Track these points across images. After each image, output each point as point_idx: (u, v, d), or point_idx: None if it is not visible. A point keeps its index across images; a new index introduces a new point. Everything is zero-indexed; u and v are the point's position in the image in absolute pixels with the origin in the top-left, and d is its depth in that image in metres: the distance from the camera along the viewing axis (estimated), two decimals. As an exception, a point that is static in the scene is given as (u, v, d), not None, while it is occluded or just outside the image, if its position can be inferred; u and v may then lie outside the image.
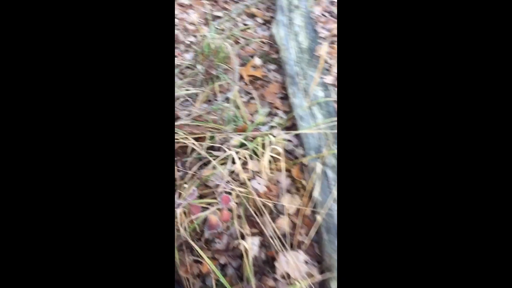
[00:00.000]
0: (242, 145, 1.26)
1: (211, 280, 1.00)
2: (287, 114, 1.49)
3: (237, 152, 1.16)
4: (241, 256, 1.07)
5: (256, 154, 1.24)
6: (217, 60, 1.63)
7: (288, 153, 1.33)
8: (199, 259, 1.04)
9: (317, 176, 1.13)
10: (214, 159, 1.17)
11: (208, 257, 1.00)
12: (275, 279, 0.99)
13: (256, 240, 1.08)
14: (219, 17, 1.98)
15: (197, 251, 1.01)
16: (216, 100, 1.49)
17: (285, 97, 1.59)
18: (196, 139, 1.25)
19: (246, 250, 1.05)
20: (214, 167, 1.17)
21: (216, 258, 1.06)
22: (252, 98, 1.58)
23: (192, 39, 1.82)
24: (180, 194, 1.08)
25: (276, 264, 1.00)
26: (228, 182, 1.11)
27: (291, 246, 1.06)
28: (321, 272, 1.01)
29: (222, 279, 0.97)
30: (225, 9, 2.05)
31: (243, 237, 1.07)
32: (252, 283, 0.97)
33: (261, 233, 1.12)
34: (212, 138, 1.27)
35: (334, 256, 0.96)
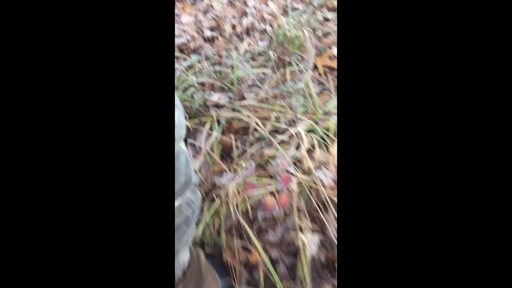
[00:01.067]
0: (310, 131, 1.12)
1: (259, 273, 0.86)
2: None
3: (305, 135, 1.02)
4: (296, 254, 0.91)
5: (325, 142, 1.08)
6: (291, 48, 1.54)
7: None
8: (248, 247, 0.91)
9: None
10: (277, 143, 1.05)
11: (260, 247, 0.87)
12: (334, 286, 0.81)
13: (316, 238, 0.91)
14: (297, 9, 1.91)
15: (247, 237, 0.89)
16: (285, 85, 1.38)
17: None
18: (260, 119, 1.15)
19: (303, 247, 0.89)
20: (276, 150, 1.05)
21: (267, 251, 0.92)
22: (325, 89, 1.44)
23: (268, 28, 1.77)
24: (235, 170, 0.98)
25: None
26: (290, 165, 0.97)
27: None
28: None
29: (274, 274, 0.82)
30: (305, 2, 1.97)
31: (301, 232, 0.91)
32: (308, 286, 0.80)
33: (322, 232, 0.95)
34: (277, 119, 1.16)
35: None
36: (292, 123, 1.17)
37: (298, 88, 1.27)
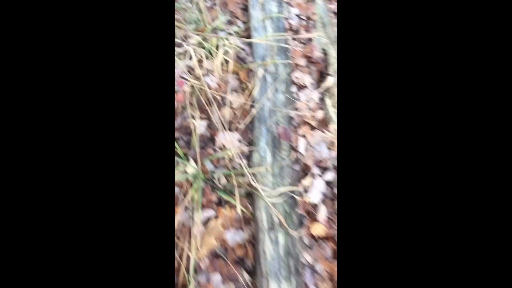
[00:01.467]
0: (199, 45, 1.46)
1: (166, 146, 1.31)
2: (245, 24, 1.67)
3: (194, 50, 1.36)
4: (191, 133, 1.38)
5: (211, 54, 1.45)
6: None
7: (240, 59, 1.56)
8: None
9: (258, 79, 1.40)
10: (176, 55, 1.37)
11: (164, 129, 1.29)
12: (214, 149, 1.33)
13: (204, 123, 1.38)
14: None
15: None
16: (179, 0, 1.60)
17: (245, 8, 1.73)
18: (160, 34, 1.41)
19: (195, 129, 1.35)
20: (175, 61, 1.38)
21: (171, 133, 1.36)
22: (215, 4, 1.71)
23: None
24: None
25: (216, 138, 1.32)
26: (184, 72, 1.34)
27: (230, 129, 1.38)
28: (249, 149, 1.35)
29: (178, 149, 1.28)
30: None
31: (194, 119, 1.36)
32: (197, 152, 1.29)
33: (208, 119, 1.42)
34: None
35: (261, 139, 1.30)
36: (186, 38, 1.47)
37: (190, 5, 1.53)
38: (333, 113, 1.36)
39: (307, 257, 1.07)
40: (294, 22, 1.58)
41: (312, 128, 1.34)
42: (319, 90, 1.43)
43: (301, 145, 1.28)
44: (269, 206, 1.11)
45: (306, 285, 1.02)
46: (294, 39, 1.55)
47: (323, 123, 1.36)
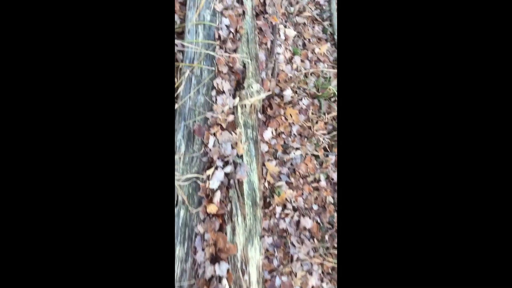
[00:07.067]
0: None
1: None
2: (181, 22, 1.85)
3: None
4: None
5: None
6: None
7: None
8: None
9: (184, 79, 1.65)
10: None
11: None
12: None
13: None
14: None
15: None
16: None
17: (184, 4, 1.90)
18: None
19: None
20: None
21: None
22: (155, -6, 1.83)
23: None
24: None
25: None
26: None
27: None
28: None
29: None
30: None
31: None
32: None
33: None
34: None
35: (179, 131, 1.56)
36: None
37: None
38: (241, 119, 1.71)
39: (200, 228, 1.43)
40: (223, 33, 1.83)
41: (222, 128, 1.67)
42: (250, 100, 1.73)
43: (211, 142, 1.60)
44: (177, 187, 1.42)
45: (195, 248, 1.38)
46: (221, 47, 1.81)
47: (232, 126, 1.70)
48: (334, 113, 2.22)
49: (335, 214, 2.01)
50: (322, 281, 1.83)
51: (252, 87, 1.70)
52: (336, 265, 1.83)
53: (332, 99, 2.28)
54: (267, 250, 1.79)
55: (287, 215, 1.91)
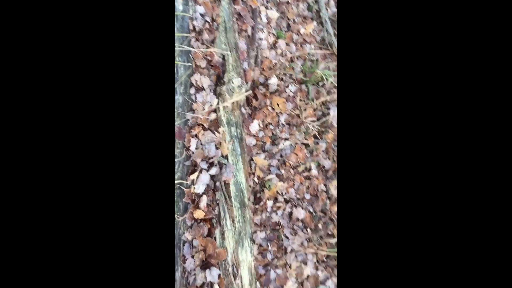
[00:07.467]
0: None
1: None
2: (152, 14, 1.71)
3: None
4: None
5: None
6: None
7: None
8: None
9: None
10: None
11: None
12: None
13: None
14: None
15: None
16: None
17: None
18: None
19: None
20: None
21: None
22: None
23: None
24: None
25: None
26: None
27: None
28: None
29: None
30: None
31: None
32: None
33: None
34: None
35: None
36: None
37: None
38: (223, 116, 1.63)
39: (187, 235, 1.40)
40: (198, 23, 1.71)
41: (204, 128, 1.60)
42: (232, 99, 1.64)
43: (193, 144, 1.54)
44: (161, 196, 1.38)
45: (184, 256, 1.37)
46: (197, 40, 1.69)
47: (215, 125, 1.62)
48: (323, 98, 2.14)
49: (328, 202, 2.00)
50: (317, 269, 1.85)
51: (233, 82, 1.61)
52: (330, 253, 1.84)
53: (320, 84, 2.18)
54: (260, 245, 1.79)
55: (279, 207, 1.89)
